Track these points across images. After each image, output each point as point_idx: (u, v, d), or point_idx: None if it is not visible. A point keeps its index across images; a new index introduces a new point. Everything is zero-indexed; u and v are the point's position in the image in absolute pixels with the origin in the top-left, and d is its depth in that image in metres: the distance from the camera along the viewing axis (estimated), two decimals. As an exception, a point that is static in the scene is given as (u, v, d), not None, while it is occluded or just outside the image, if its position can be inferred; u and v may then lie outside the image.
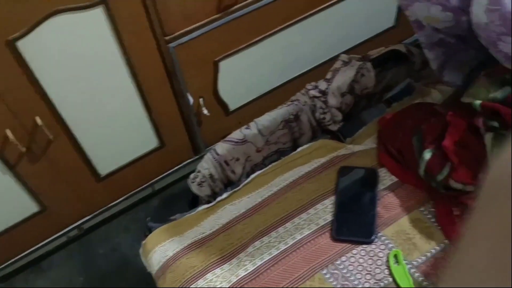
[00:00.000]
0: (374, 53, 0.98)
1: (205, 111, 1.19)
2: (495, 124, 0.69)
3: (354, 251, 0.75)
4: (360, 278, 0.73)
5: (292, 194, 0.84)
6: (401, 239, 0.76)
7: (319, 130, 0.98)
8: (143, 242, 0.86)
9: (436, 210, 0.77)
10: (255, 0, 1.07)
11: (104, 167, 1.20)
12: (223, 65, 1.15)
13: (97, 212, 1.31)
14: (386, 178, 0.84)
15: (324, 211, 0.81)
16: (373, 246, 0.76)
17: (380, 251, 0.75)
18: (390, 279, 0.72)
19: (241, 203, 0.85)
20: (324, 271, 0.74)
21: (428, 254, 0.74)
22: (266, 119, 0.92)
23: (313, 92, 0.94)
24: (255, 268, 0.76)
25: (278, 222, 0.81)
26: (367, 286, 0.72)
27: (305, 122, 0.95)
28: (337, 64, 0.96)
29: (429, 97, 0.93)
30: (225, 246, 0.80)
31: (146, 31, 0.98)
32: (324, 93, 0.94)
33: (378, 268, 0.74)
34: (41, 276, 1.34)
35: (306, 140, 0.97)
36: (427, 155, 0.76)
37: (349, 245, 0.76)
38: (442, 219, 0.76)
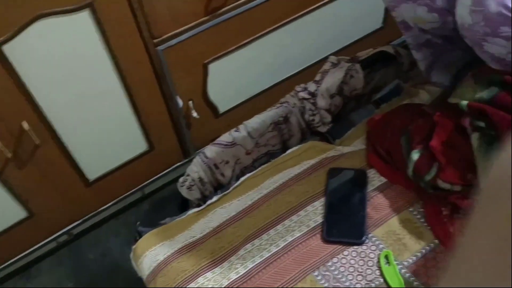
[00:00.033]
0: (363, 54, 0.98)
1: (195, 114, 1.18)
2: (482, 124, 0.69)
3: (345, 252, 0.76)
4: (351, 279, 0.73)
5: (282, 197, 0.84)
6: (391, 239, 0.76)
7: (309, 132, 0.98)
8: (133, 247, 0.85)
9: (425, 210, 0.78)
10: (244, 2, 1.07)
11: (92, 171, 1.19)
12: (212, 68, 1.15)
13: (86, 217, 1.30)
14: (375, 179, 0.84)
15: (315, 213, 0.81)
16: (364, 247, 0.76)
17: (371, 252, 0.75)
18: (381, 280, 0.72)
19: (231, 206, 0.85)
20: (316, 273, 0.74)
21: (418, 254, 0.74)
22: (255, 122, 0.92)
23: (302, 94, 0.94)
24: (246, 271, 0.76)
25: (269, 224, 0.81)
26: (359, 287, 0.72)
27: (295, 124, 0.95)
28: (326, 66, 0.97)
29: (417, 97, 0.94)
30: (216, 250, 0.79)
31: (134, 34, 0.97)
32: (313, 94, 0.94)
33: (369, 269, 0.74)
34: (30, 282, 1.32)
35: (295, 142, 0.97)
36: (415, 155, 0.76)
37: (340, 246, 0.76)
38: (431, 219, 0.76)
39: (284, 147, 0.97)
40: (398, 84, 1.00)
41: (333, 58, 0.97)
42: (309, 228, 0.79)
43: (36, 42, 0.88)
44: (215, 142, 0.91)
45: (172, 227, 0.85)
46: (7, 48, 0.86)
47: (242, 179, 0.89)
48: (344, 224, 0.78)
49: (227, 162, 0.92)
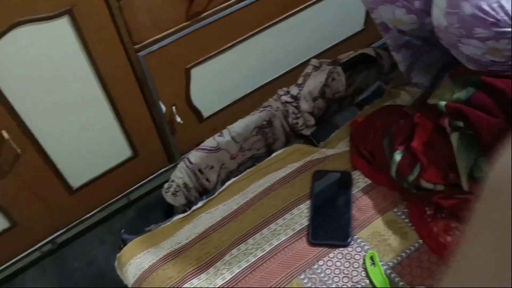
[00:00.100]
0: (344, 57, 0.99)
1: (178, 119, 1.18)
2: (460, 124, 0.70)
3: (331, 255, 0.76)
4: (337, 281, 0.73)
5: (268, 200, 0.84)
6: (377, 240, 0.77)
7: (293, 135, 0.98)
8: (118, 255, 0.84)
9: (409, 211, 0.79)
10: (224, 7, 1.07)
11: (76, 179, 1.18)
12: (195, 72, 1.14)
13: (71, 225, 1.28)
14: (359, 180, 0.84)
15: (300, 216, 0.81)
16: (349, 248, 0.76)
17: (356, 254, 0.76)
18: (367, 281, 0.73)
19: (217, 211, 0.85)
20: (302, 276, 0.74)
21: (403, 254, 0.75)
22: (239, 126, 0.91)
23: (285, 98, 0.94)
24: (232, 276, 0.76)
25: (255, 228, 0.81)
26: (345, 288, 0.72)
27: (278, 127, 0.95)
28: (308, 69, 0.97)
29: (399, 98, 0.95)
30: (201, 256, 0.79)
31: (114, 40, 0.97)
32: (296, 98, 0.94)
33: (355, 270, 0.74)
34: (14, 293, 1.30)
35: (280, 145, 0.97)
36: (398, 156, 0.77)
37: (326, 248, 0.77)
38: (415, 219, 0.77)
39: (269, 151, 0.97)
40: (379, 85, 1.01)
41: (314, 61, 0.97)
42: (295, 231, 0.79)
43: (14, 50, 0.87)
44: (199, 147, 0.90)
45: (157, 234, 0.84)
46: (-15, 57, 0.84)
47: (227, 183, 0.88)
48: (330, 226, 0.79)
49: (211, 167, 0.91)
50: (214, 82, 1.21)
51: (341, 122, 0.96)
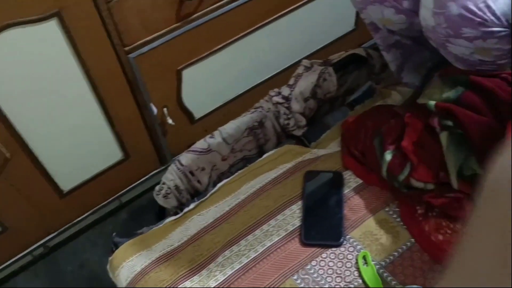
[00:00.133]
0: (335, 57, 0.99)
1: (170, 121, 1.18)
2: (450, 123, 0.71)
3: (324, 255, 0.76)
4: (330, 281, 0.73)
5: (260, 201, 0.84)
6: (369, 240, 0.77)
7: (284, 136, 0.98)
8: (110, 258, 0.84)
9: (400, 210, 0.79)
10: (215, 8, 1.07)
11: (67, 182, 1.17)
12: (186, 74, 1.14)
13: (62, 228, 1.27)
14: (351, 180, 0.85)
15: (292, 216, 0.81)
16: (342, 248, 0.76)
17: (349, 253, 0.76)
18: (360, 281, 0.73)
19: (209, 213, 0.84)
20: (295, 277, 0.74)
21: (396, 253, 0.75)
22: (230, 127, 0.91)
23: (276, 99, 0.94)
24: (225, 278, 0.75)
25: (247, 230, 0.80)
26: (337, 288, 0.72)
27: (270, 128, 0.95)
28: (299, 70, 0.97)
29: (389, 98, 0.95)
30: (194, 258, 0.79)
31: (104, 42, 0.96)
32: (287, 99, 0.94)
33: (347, 270, 0.74)
34: (6, 298, 1.29)
35: (271, 146, 0.97)
36: (388, 156, 0.77)
37: (319, 249, 0.77)
38: (407, 218, 0.77)
39: (260, 152, 0.97)
40: (370, 85, 1.01)
41: (306, 62, 0.98)
42: (287, 232, 0.79)
43: (3, 52, 0.86)
44: (190, 149, 0.90)
45: (149, 236, 0.84)
46: (-27, 60, 0.84)
47: (219, 185, 0.88)
48: (322, 226, 0.79)
49: (203, 169, 0.91)
50: (206, 84, 1.21)
51: (333, 123, 0.96)
